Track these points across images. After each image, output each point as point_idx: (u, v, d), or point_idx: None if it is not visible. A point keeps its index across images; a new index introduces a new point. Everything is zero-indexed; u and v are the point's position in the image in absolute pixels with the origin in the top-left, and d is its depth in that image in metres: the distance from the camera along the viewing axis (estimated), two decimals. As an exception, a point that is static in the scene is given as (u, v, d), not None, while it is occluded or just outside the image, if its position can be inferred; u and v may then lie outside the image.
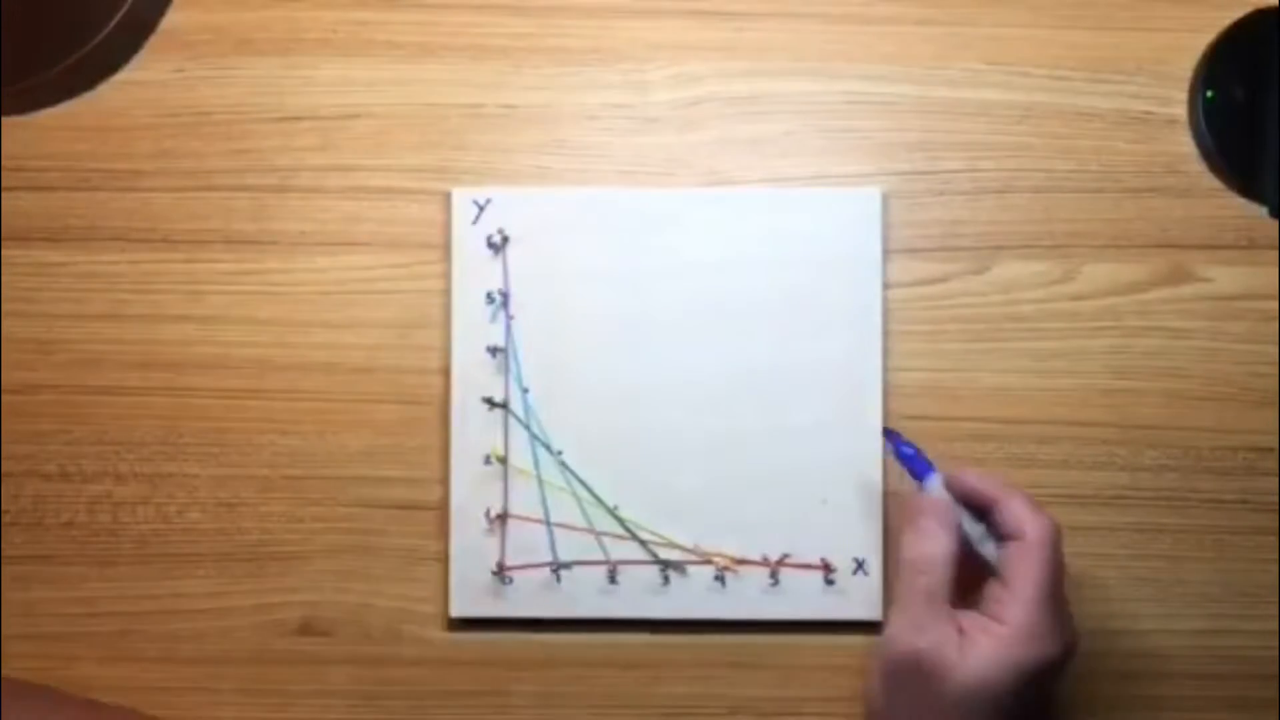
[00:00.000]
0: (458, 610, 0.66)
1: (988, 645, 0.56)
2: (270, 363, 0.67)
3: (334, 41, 0.68)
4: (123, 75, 0.68)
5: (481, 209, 0.66)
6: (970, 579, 0.59)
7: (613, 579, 0.66)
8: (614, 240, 0.66)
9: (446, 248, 0.67)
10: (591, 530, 0.66)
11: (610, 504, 0.66)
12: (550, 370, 0.66)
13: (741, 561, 0.65)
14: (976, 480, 0.60)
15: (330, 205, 0.68)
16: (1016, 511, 0.58)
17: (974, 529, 0.60)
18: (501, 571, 0.66)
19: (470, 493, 0.66)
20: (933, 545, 0.59)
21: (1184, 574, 0.67)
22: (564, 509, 0.66)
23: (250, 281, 0.67)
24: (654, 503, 0.66)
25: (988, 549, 0.59)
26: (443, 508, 0.66)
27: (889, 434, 0.64)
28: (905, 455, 0.62)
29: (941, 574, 0.58)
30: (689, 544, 0.66)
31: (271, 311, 0.67)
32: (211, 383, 0.67)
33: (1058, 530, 0.58)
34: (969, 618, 0.57)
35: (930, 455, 0.66)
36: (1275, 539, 0.66)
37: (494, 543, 0.66)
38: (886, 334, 0.66)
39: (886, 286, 0.67)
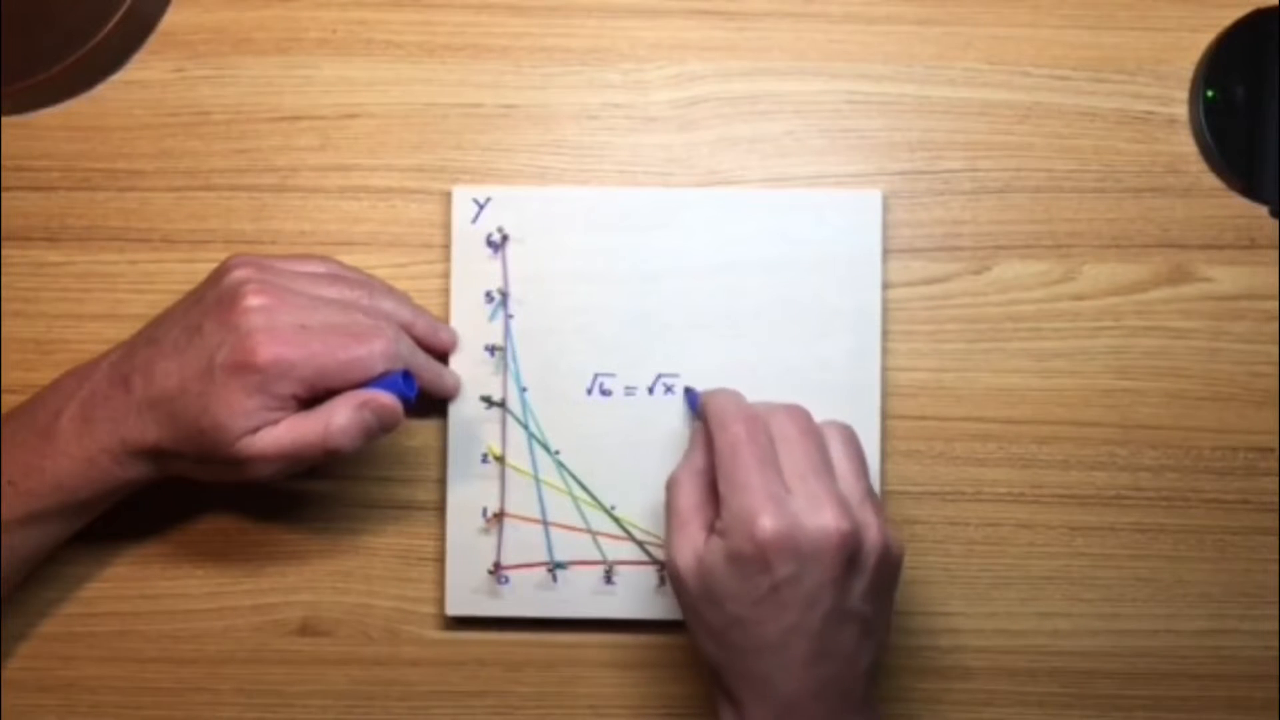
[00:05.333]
0: (454, 610, 0.66)
1: (707, 551, 0.57)
2: (269, 362, 0.67)
3: (333, 41, 0.68)
4: (122, 75, 0.68)
5: (481, 208, 0.66)
6: None
7: (609, 579, 0.66)
8: (613, 240, 0.66)
9: (446, 247, 0.67)
10: (588, 530, 0.66)
11: (607, 504, 0.66)
12: (548, 369, 0.66)
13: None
14: (701, 395, 0.62)
15: (330, 205, 0.68)
16: (709, 412, 0.59)
17: None
18: (498, 571, 0.66)
19: (467, 492, 0.66)
20: (681, 466, 0.60)
21: (1184, 574, 0.66)
22: (561, 509, 0.66)
23: (249, 281, 0.67)
24: (651, 503, 0.65)
25: None
26: (440, 507, 0.66)
27: (689, 393, 0.66)
28: (690, 402, 0.65)
29: (684, 493, 0.59)
30: (687, 544, 0.66)
31: (271, 311, 0.67)
32: (210, 382, 0.67)
33: (753, 419, 0.58)
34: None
35: (930, 455, 0.67)
36: (1276, 539, 0.66)
37: (490, 542, 0.66)
38: (886, 334, 0.66)
39: (886, 286, 0.66)
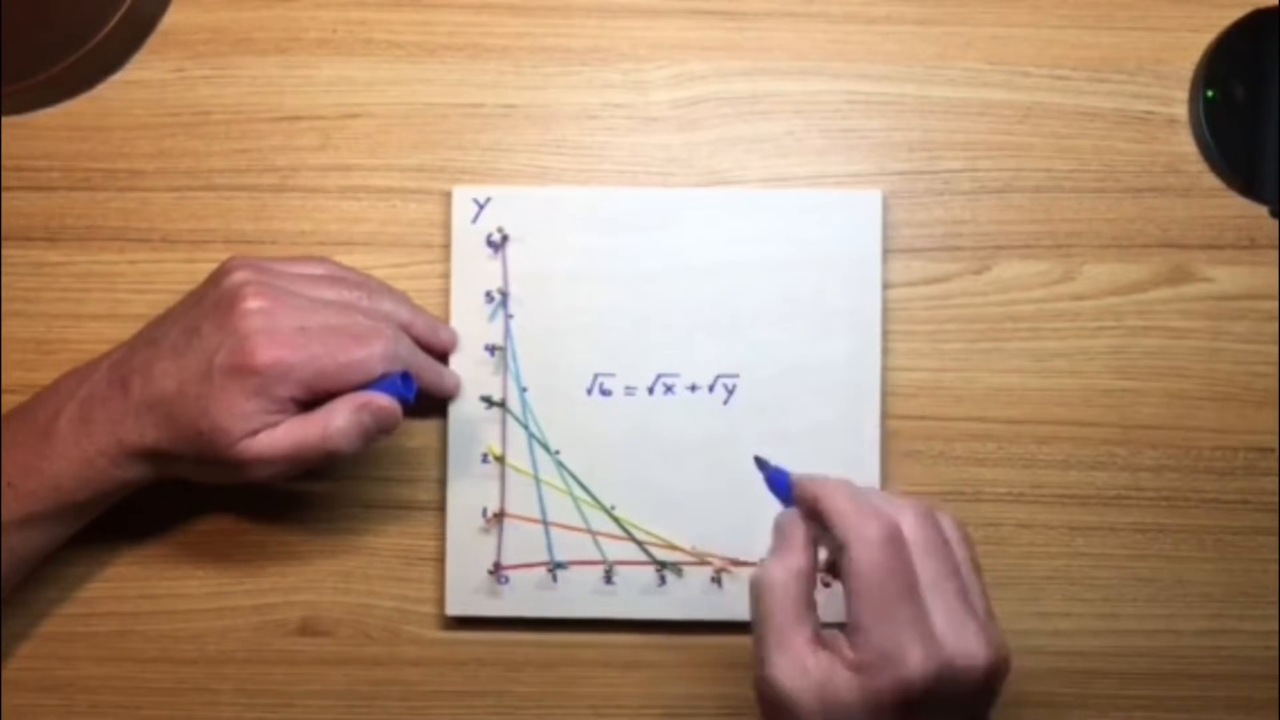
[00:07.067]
0: (454, 610, 0.66)
1: (829, 678, 0.50)
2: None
3: (333, 41, 0.68)
4: (122, 75, 0.68)
5: (481, 208, 0.66)
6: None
7: (609, 579, 0.65)
8: (613, 240, 0.66)
9: (446, 247, 0.67)
10: (588, 530, 0.66)
11: (607, 504, 0.66)
12: (548, 369, 0.66)
13: (738, 563, 0.65)
14: (805, 484, 0.54)
15: (330, 205, 0.68)
16: (836, 516, 0.52)
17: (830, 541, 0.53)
18: (498, 571, 0.65)
19: (467, 492, 0.66)
20: (773, 563, 0.53)
21: (1184, 574, 0.66)
22: (561, 509, 0.66)
23: (249, 281, 0.67)
24: (651, 503, 0.66)
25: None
26: (440, 507, 0.66)
27: (759, 462, 0.58)
28: (773, 480, 0.57)
29: (782, 598, 0.52)
30: (686, 545, 0.65)
31: (270, 311, 0.67)
32: (210, 382, 0.67)
33: (893, 527, 0.51)
34: (830, 641, 0.52)
35: (930, 455, 0.67)
36: (1276, 539, 0.66)
37: (491, 542, 0.66)
38: (886, 334, 0.66)
39: (886, 286, 0.66)
